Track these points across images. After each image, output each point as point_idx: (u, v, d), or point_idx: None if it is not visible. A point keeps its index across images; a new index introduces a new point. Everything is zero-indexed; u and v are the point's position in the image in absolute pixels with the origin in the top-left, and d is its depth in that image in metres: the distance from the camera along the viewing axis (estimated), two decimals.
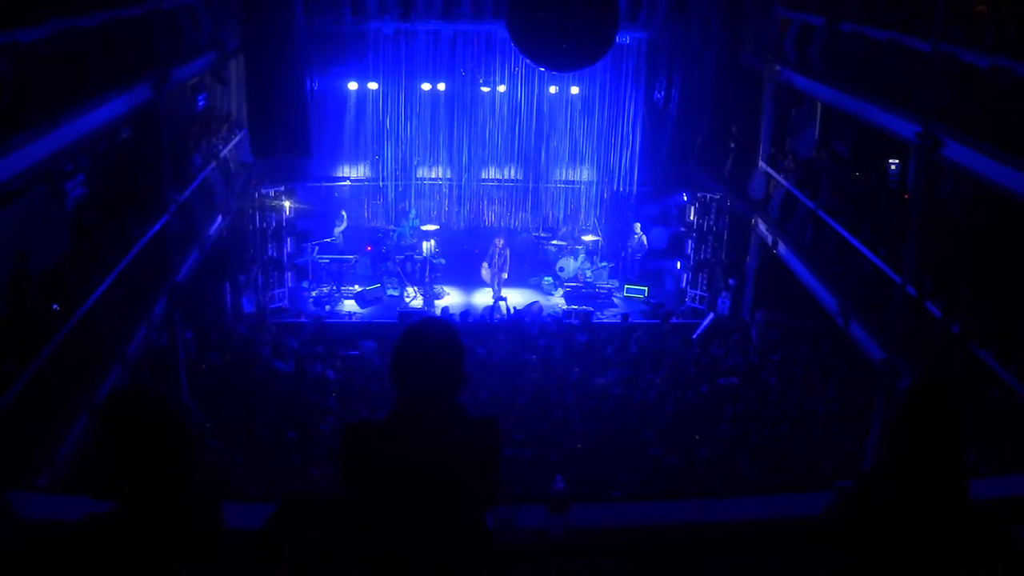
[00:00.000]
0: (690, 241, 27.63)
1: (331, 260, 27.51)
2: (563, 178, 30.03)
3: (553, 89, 28.94)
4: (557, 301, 27.47)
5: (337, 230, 28.19)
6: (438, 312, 25.66)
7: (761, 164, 24.57)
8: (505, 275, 27.21)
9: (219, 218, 21.75)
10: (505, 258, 27.13)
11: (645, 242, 28.67)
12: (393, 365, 4.65)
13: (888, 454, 4.74)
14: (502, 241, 27.28)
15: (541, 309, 26.22)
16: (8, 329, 12.62)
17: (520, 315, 25.63)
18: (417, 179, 29.48)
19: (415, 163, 29.33)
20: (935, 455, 4.54)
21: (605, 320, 26.18)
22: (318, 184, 28.62)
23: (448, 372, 4.62)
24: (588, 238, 29.06)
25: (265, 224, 25.84)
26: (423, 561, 4.58)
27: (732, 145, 26.34)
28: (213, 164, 21.68)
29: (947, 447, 4.56)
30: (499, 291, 26.90)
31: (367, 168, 29.49)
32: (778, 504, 7.10)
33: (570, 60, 21.39)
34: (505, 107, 29.07)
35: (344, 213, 28.50)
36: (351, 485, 4.72)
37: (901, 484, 4.57)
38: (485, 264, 27.51)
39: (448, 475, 4.58)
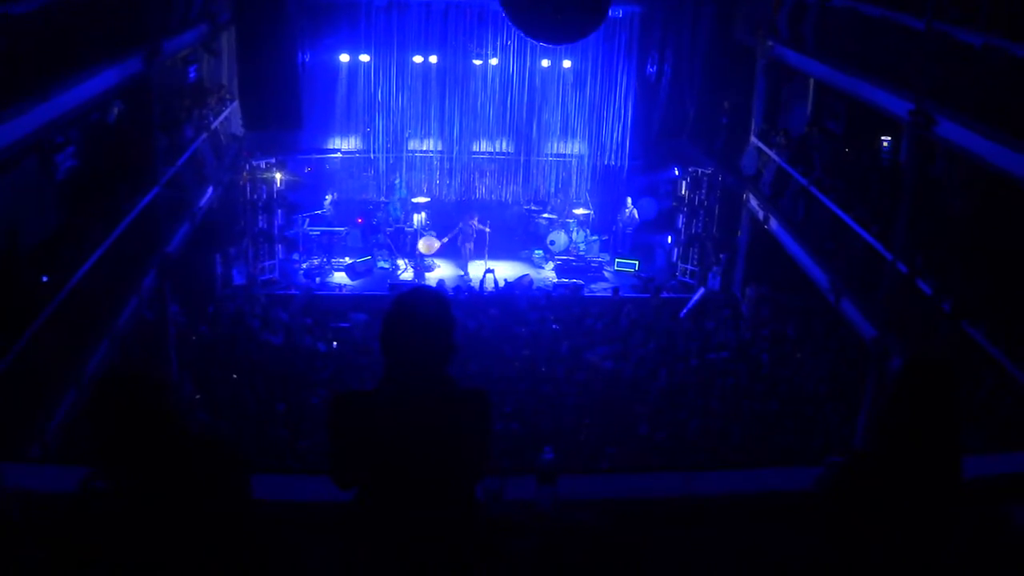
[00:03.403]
0: (681, 216, 27.62)
1: (321, 232, 27.48)
2: (554, 151, 30.08)
3: (545, 62, 28.92)
4: (548, 274, 27.49)
5: (327, 201, 28.20)
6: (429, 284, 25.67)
7: (753, 140, 24.54)
8: (474, 248, 27.32)
9: (210, 190, 21.68)
10: (482, 234, 27.19)
11: (636, 216, 28.65)
12: (383, 335, 4.65)
13: (881, 430, 4.76)
14: (476, 220, 27.24)
15: (532, 282, 26.22)
16: None
17: (511, 288, 25.63)
18: (408, 151, 29.47)
19: (406, 135, 29.32)
20: (928, 432, 4.56)
21: (596, 293, 26.19)
22: (309, 156, 28.57)
23: (438, 342, 4.62)
24: (579, 211, 29.06)
25: (256, 196, 25.76)
26: (411, 532, 4.59)
27: (724, 120, 26.38)
28: (204, 136, 21.58)
29: (940, 425, 4.58)
30: (466, 266, 27.07)
31: (358, 140, 29.45)
32: (767, 478, 7.13)
33: (563, 33, 21.31)
34: (497, 80, 29.05)
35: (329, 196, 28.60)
36: (340, 455, 4.73)
37: (894, 460, 4.59)
38: (434, 240, 27.58)
39: (437, 446, 4.59)
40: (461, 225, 27.14)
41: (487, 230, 27.23)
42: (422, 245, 27.43)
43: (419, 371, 4.60)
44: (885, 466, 4.61)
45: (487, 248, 27.17)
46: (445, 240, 27.34)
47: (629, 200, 28.75)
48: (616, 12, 26.68)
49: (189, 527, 4.04)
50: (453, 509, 4.72)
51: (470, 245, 27.11)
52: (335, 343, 21.91)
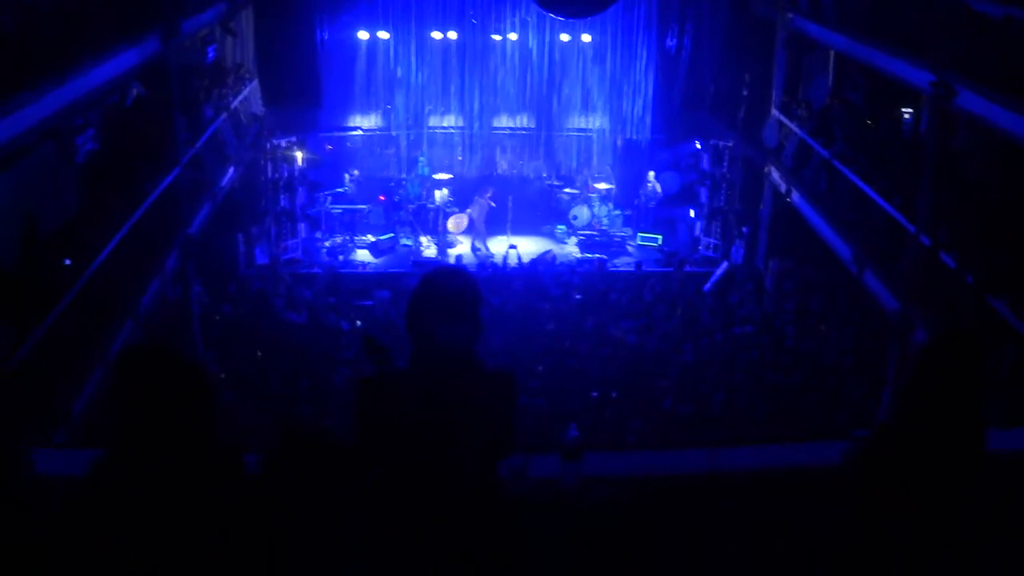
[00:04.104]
0: (703, 189, 27.53)
1: (344, 210, 27.46)
2: (575, 126, 29.91)
3: (565, 37, 28.75)
4: (571, 249, 27.46)
5: (348, 178, 28.18)
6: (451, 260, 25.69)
7: (774, 112, 24.44)
8: (486, 223, 27.35)
9: (231, 170, 21.69)
10: (493, 209, 27.23)
11: (659, 190, 28.57)
12: (409, 314, 4.65)
13: (907, 403, 4.75)
14: (490, 194, 27.24)
15: (555, 258, 26.23)
16: (21, 286, 12.62)
17: (534, 264, 25.61)
18: (429, 128, 29.35)
19: (427, 112, 29.20)
20: (954, 405, 4.55)
21: (619, 268, 26.17)
22: (330, 134, 28.57)
23: (465, 322, 4.62)
24: (601, 186, 28.99)
25: (277, 175, 25.74)
26: (436, 511, 4.60)
27: (745, 93, 26.23)
28: (224, 116, 21.59)
29: (965, 397, 4.57)
30: (484, 242, 27.10)
31: (379, 118, 29.38)
32: (792, 453, 7.11)
33: (582, 7, 21.27)
34: (517, 55, 28.91)
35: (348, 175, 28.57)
36: (365, 436, 4.73)
37: (919, 433, 4.58)
38: (463, 217, 27.54)
39: (462, 426, 4.60)
40: (477, 198, 27.14)
41: (493, 204, 27.18)
42: (451, 224, 27.43)
43: (445, 351, 4.60)
44: (910, 439, 4.60)
45: (509, 224, 27.17)
46: (464, 216, 27.31)
47: (651, 174, 28.65)
48: None
49: (206, 514, 4.03)
50: (477, 489, 4.73)
51: (477, 217, 27.10)
52: (358, 321, 21.94)
